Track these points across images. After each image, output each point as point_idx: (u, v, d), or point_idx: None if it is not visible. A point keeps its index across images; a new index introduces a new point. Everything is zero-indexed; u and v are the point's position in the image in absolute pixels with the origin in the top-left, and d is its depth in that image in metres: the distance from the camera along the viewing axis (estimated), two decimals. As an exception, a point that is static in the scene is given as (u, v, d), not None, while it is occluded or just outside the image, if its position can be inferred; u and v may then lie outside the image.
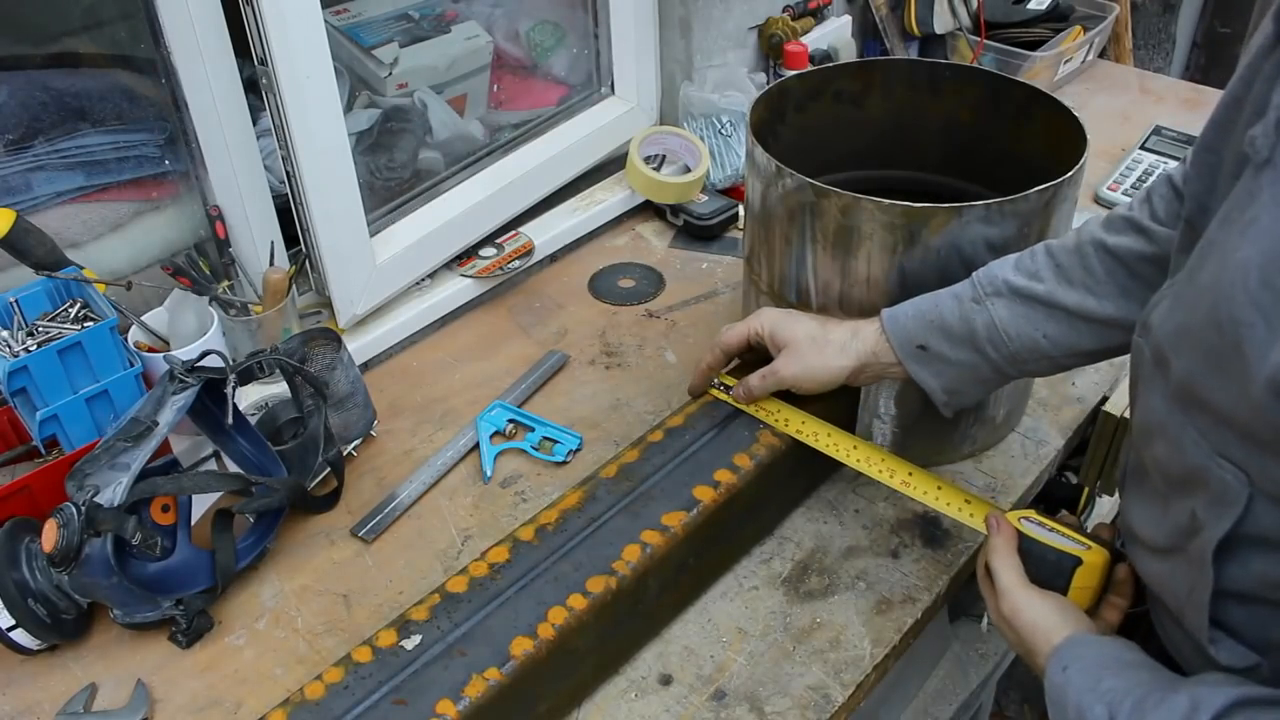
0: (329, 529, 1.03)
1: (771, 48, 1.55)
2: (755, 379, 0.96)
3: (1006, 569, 0.80)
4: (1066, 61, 1.74)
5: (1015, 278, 0.85)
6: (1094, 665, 0.69)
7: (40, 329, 1.00)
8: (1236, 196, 0.61)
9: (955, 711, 1.25)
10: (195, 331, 1.07)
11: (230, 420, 0.96)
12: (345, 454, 1.08)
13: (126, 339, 1.05)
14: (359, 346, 1.22)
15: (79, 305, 1.03)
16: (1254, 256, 0.55)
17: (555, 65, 1.54)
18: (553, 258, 1.42)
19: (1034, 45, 1.72)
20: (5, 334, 0.99)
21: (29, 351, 0.96)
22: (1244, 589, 0.64)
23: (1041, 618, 0.76)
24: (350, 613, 0.95)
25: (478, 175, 1.38)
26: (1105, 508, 1.41)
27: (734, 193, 1.49)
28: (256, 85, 1.08)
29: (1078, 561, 0.79)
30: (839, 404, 1.00)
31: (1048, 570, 0.80)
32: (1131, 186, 1.48)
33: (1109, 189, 1.48)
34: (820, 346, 0.92)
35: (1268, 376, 0.54)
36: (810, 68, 1.34)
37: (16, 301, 1.01)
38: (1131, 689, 0.65)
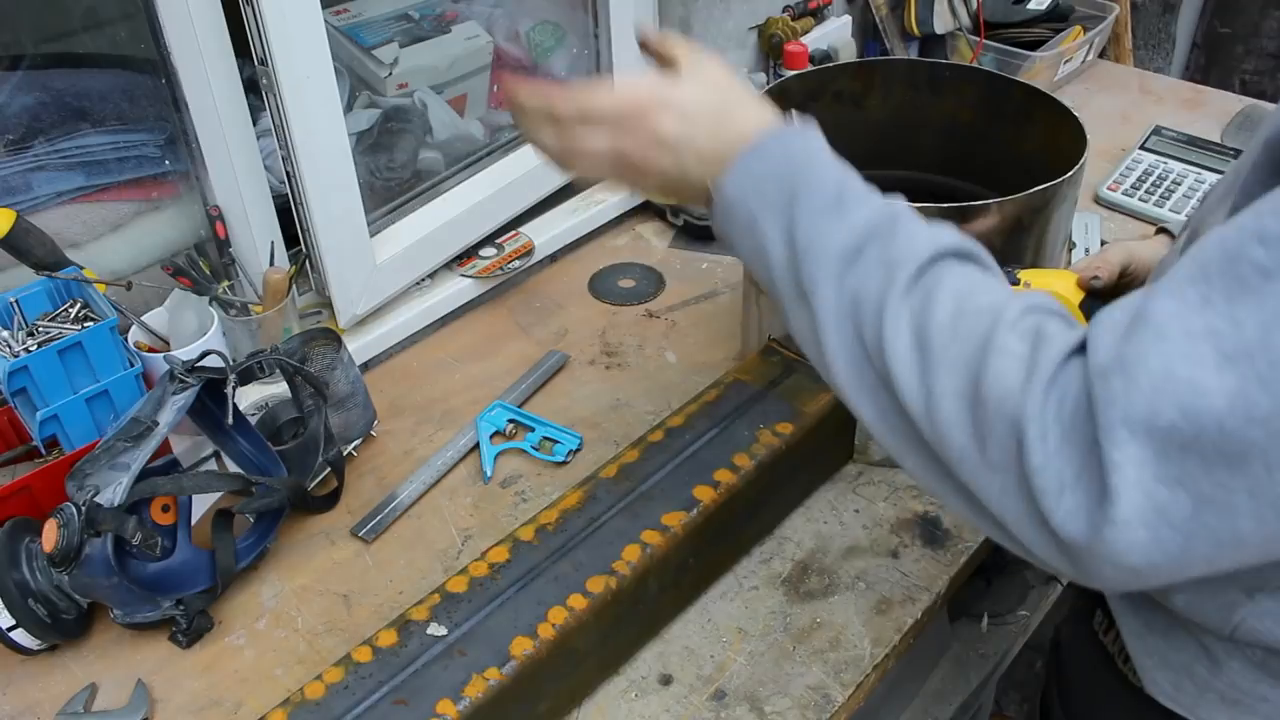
0: (329, 529, 1.03)
1: (771, 48, 1.55)
2: (1095, 259, 0.85)
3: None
4: (1066, 61, 1.74)
5: None
6: (831, 151, 0.65)
7: (40, 329, 1.01)
8: None
9: (955, 711, 1.25)
10: (195, 331, 1.07)
11: (230, 420, 0.96)
12: (345, 454, 1.08)
13: (126, 339, 1.05)
14: (359, 346, 1.22)
15: (79, 305, 1.03)
16: None
17: (555, 65, 1.54)
18: (553, 258, 1.42)
19: (1034, 45, 1.72)
20: (5, 334, 0.99)
21: (29, 351, 0.96)
22: None
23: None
24: (350, 613, 0.95)
25: (478, 175, 1.38)
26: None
27: (734, 193, 1.49)
28: (256, 85, 1.08)
29: None
30: (839, 406, 1.00)
31: None
32: (1131, 186, 1.48)
33: (1109, 189, 1.48)
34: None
35: (1259, 146, 0.54)
36: (810, 68, 1.34)
37: (16, 301, 1.01)
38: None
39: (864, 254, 0.59)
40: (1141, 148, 1.57)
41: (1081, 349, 0.52)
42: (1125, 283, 0.84)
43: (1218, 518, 0.47)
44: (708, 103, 0.68)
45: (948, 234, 0.60)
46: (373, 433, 1.13)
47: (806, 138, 0.66)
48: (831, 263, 0.59)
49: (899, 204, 0.61)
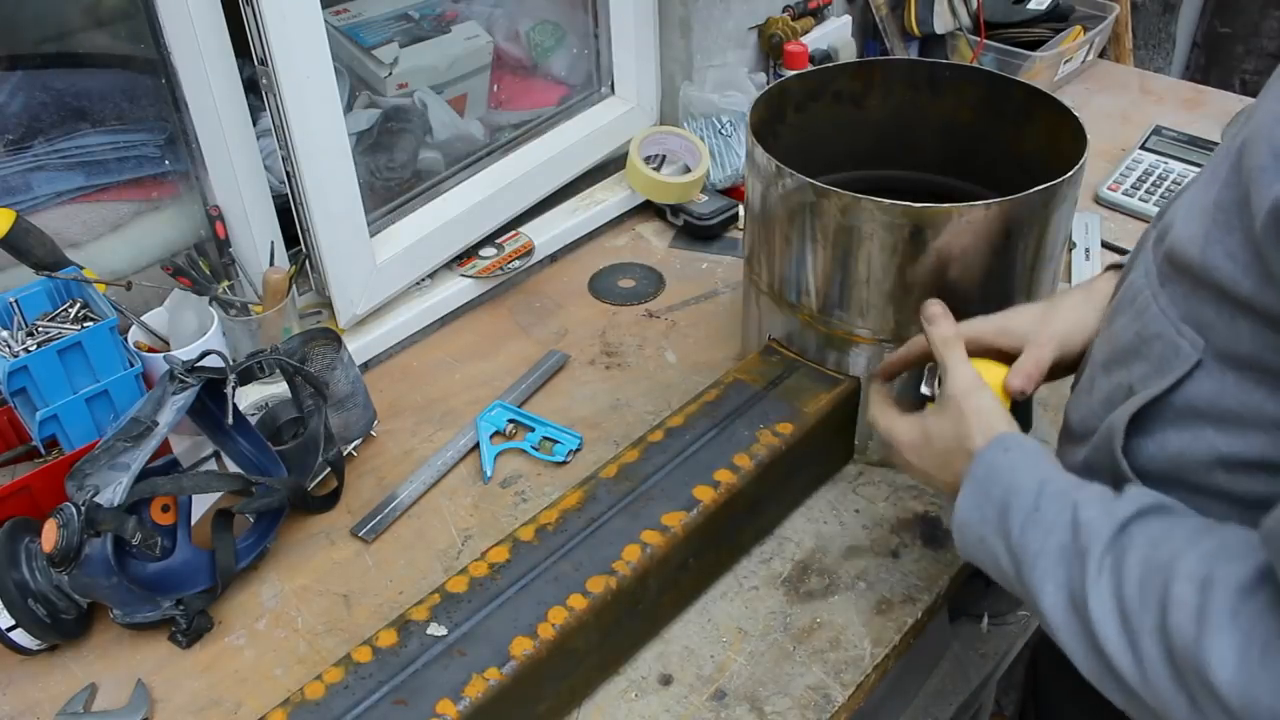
0: (329, 529, 1.03)
1: (771, 48, 1.55)
2: (1029, 364, 0.81)
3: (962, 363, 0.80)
4: (1066, 61, 1.74)
5: None
6: (1035, 450, 0.71)
7: (40, 329, 1.00)
8: None
9: (955, 711, 1.25)
10: (195, 331, 1.07)
11: (230, 420, 0.96)
12: (345, 454, 1.08)
13: (126, 339, 1.05)
14: (359, 346, 1.22)
15: (79, 305, 1.03)
16: None
17: (555, 65, 1.54)
18: (553, 258, 1.42)
19: (1034, 45, 1.72)
20: (5, 334, 0.99)
21: (29, 351, 0.96)
22: (1158, 468, 0.65)
23: (993, 409, 0.76)
24: (350, 613, 0.95)
25: (478, 175, 1.38)
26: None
27: (734, 193, 1.49)
28: (256, 85, 1.08)
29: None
30: (839, 406, 1.00)
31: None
32: (1131, 186, 1.48)
33: (1109, 189, 1.48)
34: (1063, 300, 0.85)
35: (1268, 208, 0.54)
36: (810, 68, 1.33)
37: (16, 301, 1.01)
38: (1062, 475, 0.68)
39: (1064, 552, 0.63)
40: (1142, 147, 1.57)
41: (1258, 580, 0.53)
42: (1060, 367, 0.84)
43: None
44: (934, 443, 0.78)
45: (1126, 502, 0.62)
46: (373, 433, 1.13)
47: (1010, 452, 0.71)
48: (1040, 569, 0.64)
49: (1085, 491, 0.65)
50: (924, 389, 0.85)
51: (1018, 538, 0.66)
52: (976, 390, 0.77)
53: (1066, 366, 0.83)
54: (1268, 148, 0.55)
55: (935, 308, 0.82)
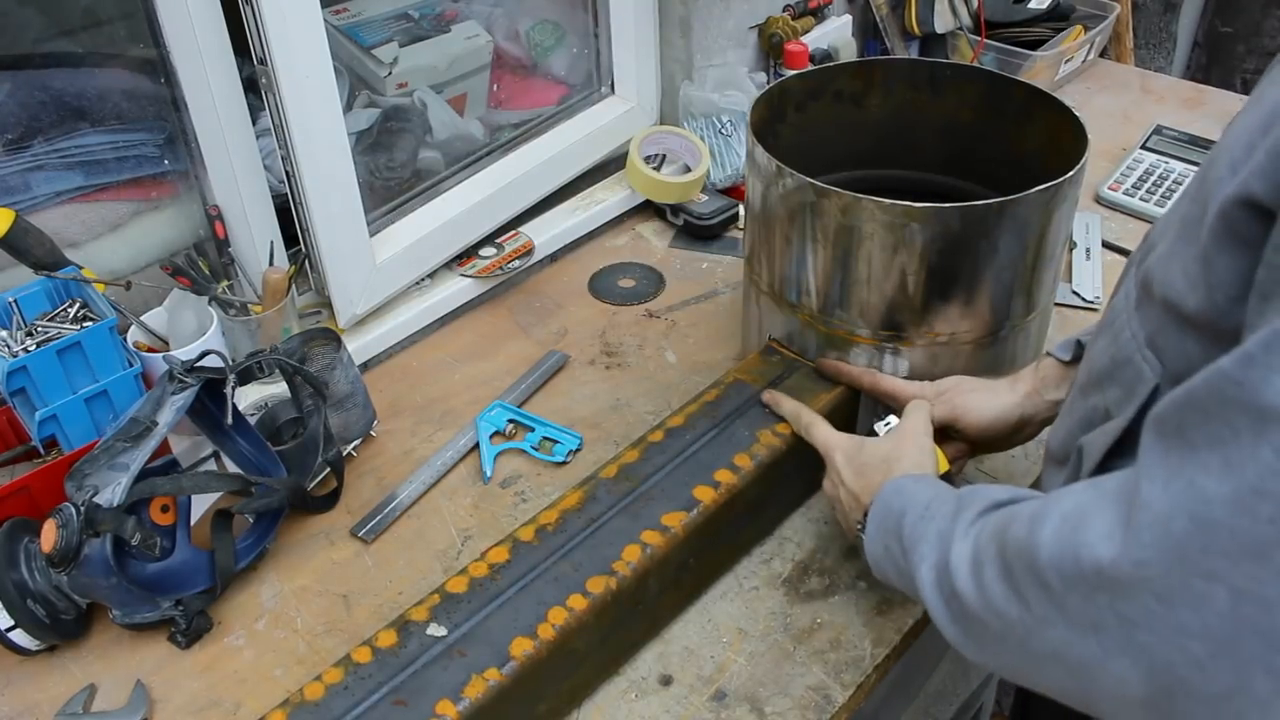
0: (329, 529, 1.03)
1: (772, 47, 1.55)
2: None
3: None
4: (1067, 61, 1.74)
5: None
6: (945, 485, 0.78)
7: (39, 329, 1.00)
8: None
9: (955, 711, 1.25)
10: (195, 331, 1.07)
11: (230, 420, 0.96)
12: (345, 454, 1.08)
13: (126, 339, 1.05)
14: (359, 346, 1.22)
15: (78, 305, 1.03)
16: (1248, 124, 0.55)
17: (555, 65, 1.54)
18: (553, 258, 1.42)
19: (1034, 45, 1.72)
20: (4, 334, 0.99)
21: (28, 351, 0.96)
22: None
23: (930, 452, 0.85)
24: (350, 613, 0.95)
25: (478, 175, 1.38)
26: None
27: (734, 193, 1.49)
28: (256, 85, 1.08)
29: None
30: (839, 406, 1.00)
31: None
32: (1132, 186, 1.48)
33: (1110, 189, 1.48)
34: (987, 386, 0.92)
35: (1216, 210, 0.54)
36: (810, 67, 1.33)
37: (16, 301, 1.01)
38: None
39: (941, 535, 0.69)
40: (1143, 147, 1.57)
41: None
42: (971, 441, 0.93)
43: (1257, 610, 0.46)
44: (864, 454, 0.86)
45: (1004, 492, 0.68)
46: (372, 433, 1.13)
47: (922, 481, 0.79)
48: (919, 553, 0.71)
49: (972, 491, 0.71)
50: (878, 426, 0.93)
51: (908, 534, 0.73)
52: (925, 434, 0.86)
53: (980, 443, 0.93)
54: (1227, 161, 0.55)
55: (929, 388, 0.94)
